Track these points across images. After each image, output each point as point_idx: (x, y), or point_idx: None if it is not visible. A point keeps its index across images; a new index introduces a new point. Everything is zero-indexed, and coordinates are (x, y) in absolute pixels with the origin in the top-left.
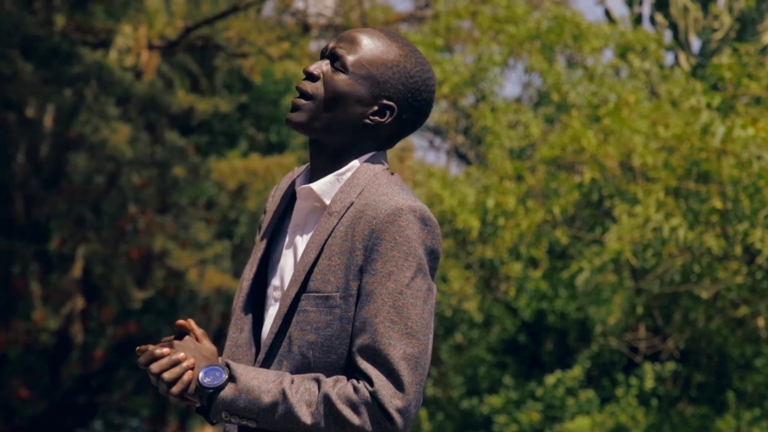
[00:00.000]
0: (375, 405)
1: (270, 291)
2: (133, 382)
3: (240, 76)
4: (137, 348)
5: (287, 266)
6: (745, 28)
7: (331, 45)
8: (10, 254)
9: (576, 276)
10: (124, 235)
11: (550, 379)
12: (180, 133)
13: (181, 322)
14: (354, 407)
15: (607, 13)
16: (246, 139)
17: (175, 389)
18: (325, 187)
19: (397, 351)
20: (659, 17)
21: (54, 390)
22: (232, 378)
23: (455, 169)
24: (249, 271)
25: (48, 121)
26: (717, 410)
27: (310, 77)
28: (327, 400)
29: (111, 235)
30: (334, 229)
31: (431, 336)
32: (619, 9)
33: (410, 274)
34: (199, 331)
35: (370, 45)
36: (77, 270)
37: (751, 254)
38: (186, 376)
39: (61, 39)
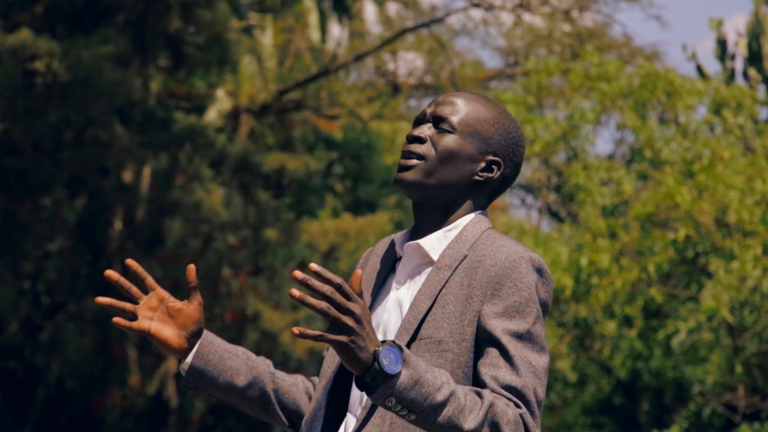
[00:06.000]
0: (523, 427)
1: None
2: None
3: (320, 135)
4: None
5: (391, 321)
6: None
7: (431, 109)
8: (108, 320)
9: (672, 336)
10: (218, 297)
11: None
12: (272, 194)
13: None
14: (509, 423)
15: (699, 69)
16: (335, 197)
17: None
18: (434, 243)
19: (531, 392)
20: (753, 72)
21: None
22: (406, 363)
23: (547, 227)
24: None
25: (144, 185)
26: None
27: (418, 140)
28: (491, 410)
29: (205, 298)
30: (447, 280)
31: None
32: (711, 64)
33: (531, 319)
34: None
35: (469, 105)
36: None
37: None
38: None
39: (156, 104)
